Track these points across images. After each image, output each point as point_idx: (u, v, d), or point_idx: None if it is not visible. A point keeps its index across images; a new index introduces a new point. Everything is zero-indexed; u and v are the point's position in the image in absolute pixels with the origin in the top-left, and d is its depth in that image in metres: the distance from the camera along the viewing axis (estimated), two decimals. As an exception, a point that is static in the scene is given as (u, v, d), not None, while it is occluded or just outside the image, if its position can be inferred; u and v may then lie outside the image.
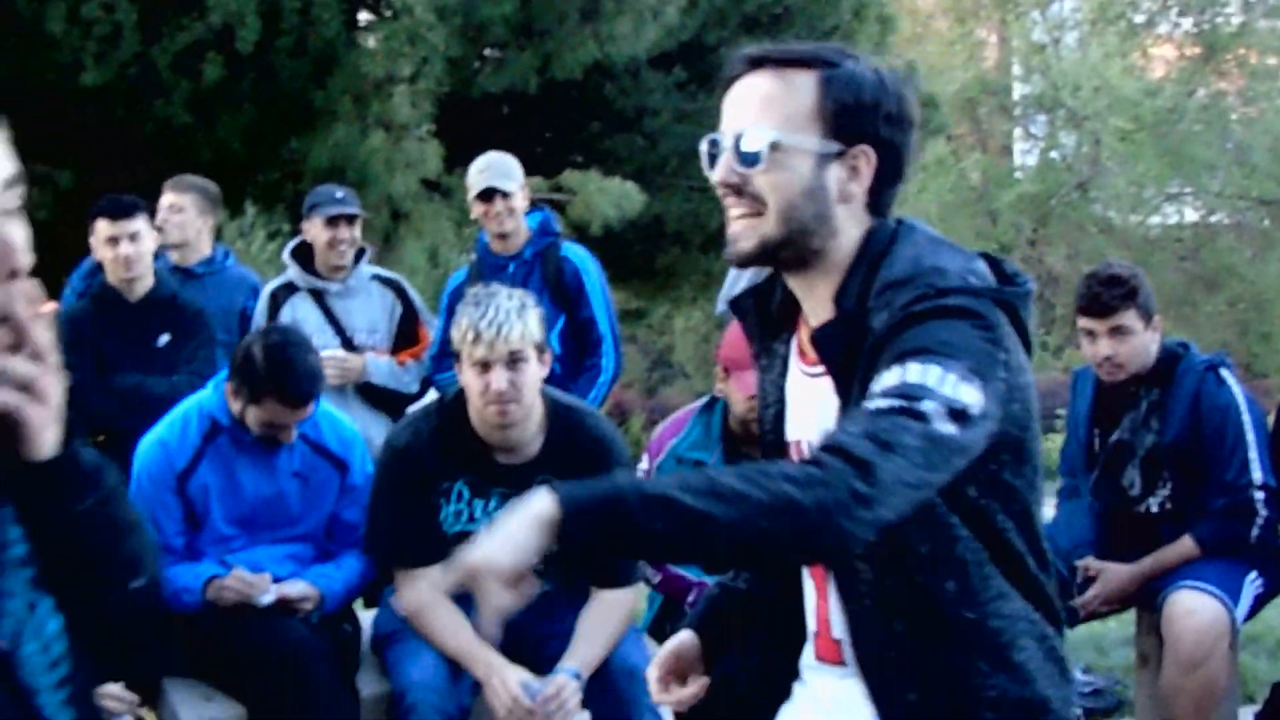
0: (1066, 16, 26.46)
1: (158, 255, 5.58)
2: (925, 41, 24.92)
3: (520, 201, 5.55)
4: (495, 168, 5.55)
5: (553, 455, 3.85)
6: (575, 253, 5.67)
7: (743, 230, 2.11)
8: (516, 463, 3.84)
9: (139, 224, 5.10)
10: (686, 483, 1.79)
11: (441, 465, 3.86)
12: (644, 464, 4.35)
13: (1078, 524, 4.72)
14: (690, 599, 4.19)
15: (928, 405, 1.84)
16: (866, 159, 2.09)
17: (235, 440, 4.03)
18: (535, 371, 3.73)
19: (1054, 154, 25.98)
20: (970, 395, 1.87)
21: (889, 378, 1.90)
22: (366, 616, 4.31)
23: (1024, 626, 2.10)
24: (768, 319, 2.31)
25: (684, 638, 2.57)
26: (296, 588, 3.98)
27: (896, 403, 1.85)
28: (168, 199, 5.70)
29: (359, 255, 5.49)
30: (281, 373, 3.88)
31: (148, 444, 4.06)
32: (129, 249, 5.07)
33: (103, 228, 5.11)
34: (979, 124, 25.94)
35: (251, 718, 3.85)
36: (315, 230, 5.41)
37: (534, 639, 3.79)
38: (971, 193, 24.32)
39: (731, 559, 2.20)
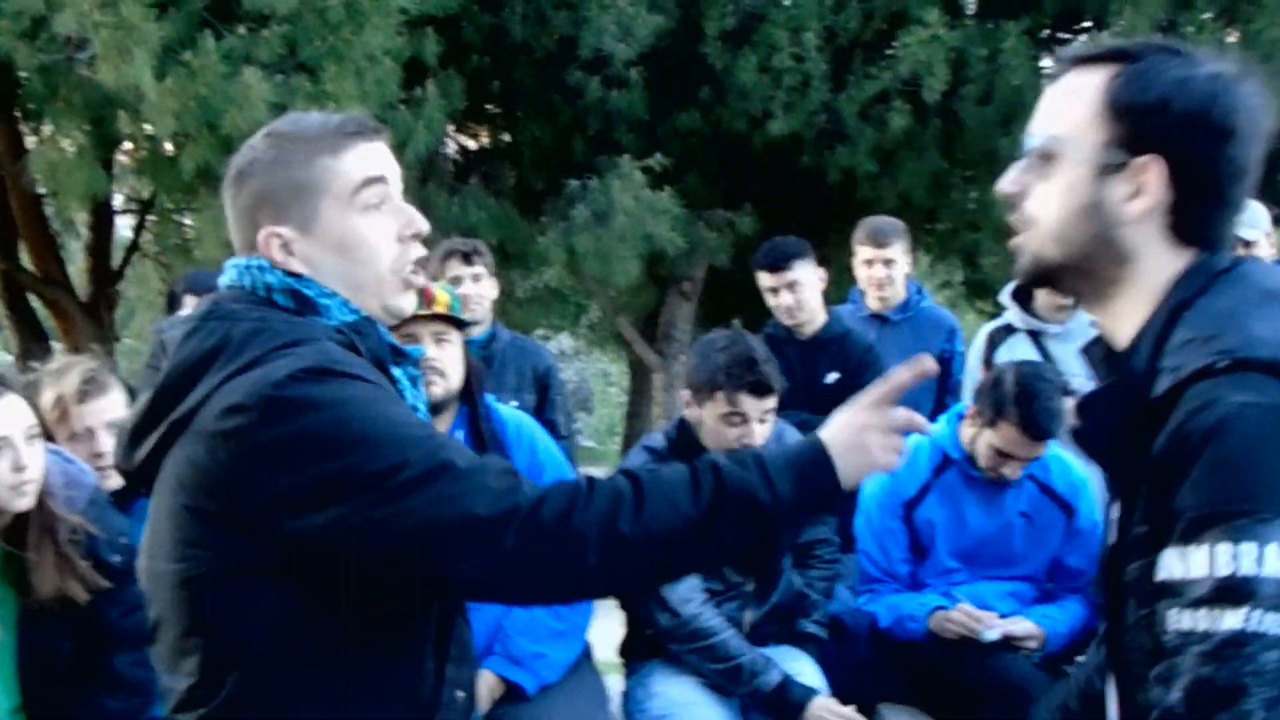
0: None
1: (847, 299, 5.73)
2: None
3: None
4: (1247, 217, 5.35)
5: None
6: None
7: (1019, 245, 1.82)
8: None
9: (797, 273, 5.17)
10: None
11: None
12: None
13: None
14: None
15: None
16: (1157, 172, 1.70)
17: (964, 475, 4.04)
18: None
19: None
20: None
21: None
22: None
23: None
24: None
25: None
26: (1022, 625, 3.93)
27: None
28: (880, 253, 5.65)
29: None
30: (1027, 400, 3.85)
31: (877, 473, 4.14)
32: (789, 298, 5.18)
33: (764, 279, 5.26)
34: None
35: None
36: (1040, 269, 5.35)
37: None
38: None
39: None
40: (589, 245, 10.18)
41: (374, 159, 1.97)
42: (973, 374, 5.25)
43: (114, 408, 3.45)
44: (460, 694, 2.02)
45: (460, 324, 3.48)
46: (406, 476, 1.71)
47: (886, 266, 5.62)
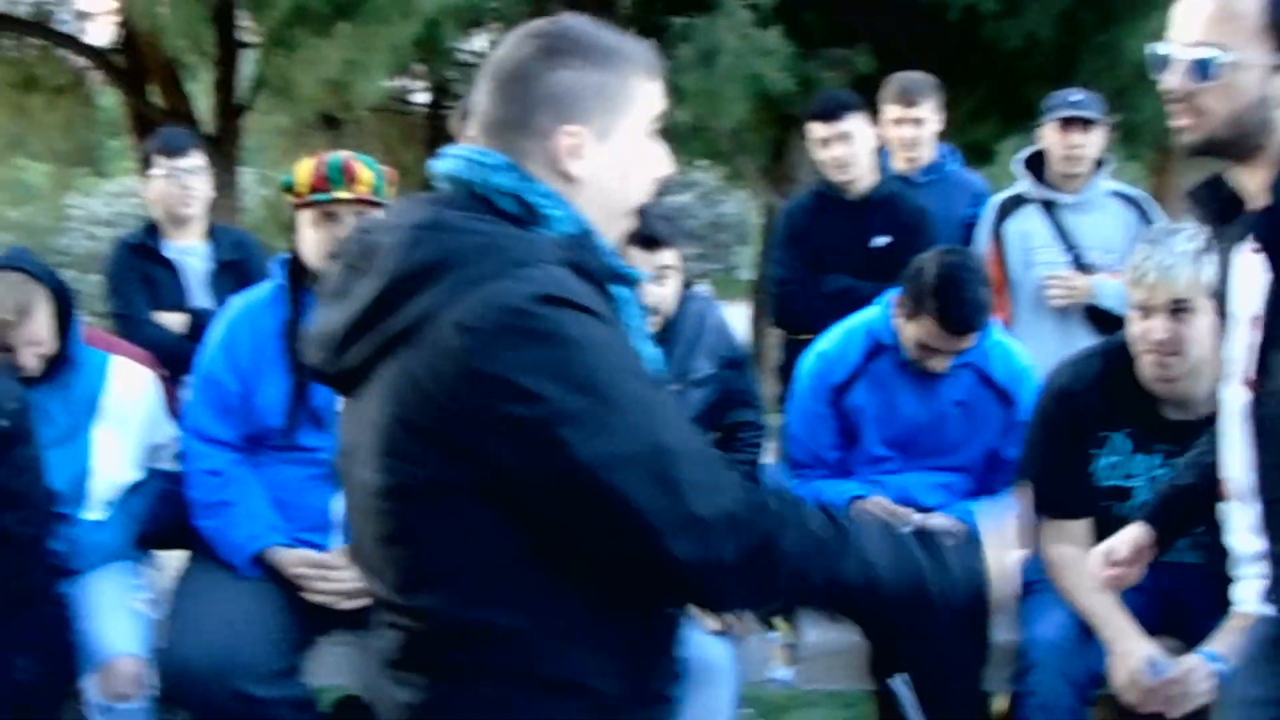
0: None
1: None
2: None
3: None
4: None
5: (1229, 415, 3.39)
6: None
7: (1186, 128, 2.33)
8: (1186, 419, 3.41)
9: (849, 124, 4.99)
10: None
11: (1103, 412, 3.53)
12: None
13: None
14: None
15: None
16: None
17: (897, 362, 3.89)
18: (1207, 324, 3.27)
19: None
20: None
21: None
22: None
23: None
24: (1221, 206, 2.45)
25: (1139, 532, 2.86)
26: (940, 521, 3.81)
27: None
28: (909, 112, 5.39)
29: (1099, 168, 5.09)
30: (946, 294, 3.69)
31: (811, 354, 4.03)
32: (841, 150, 4.99)
33: (815, 129, 5.07)
34: None
35: (870, 647, 3.74)
36: (1049, 136, 5.07)
37: (1189, 614, 3.43)
38: None
39: None
40: (695, 85, 9.98)
41: (662, 96, 1.99)
42: (979, 244, 5.04)
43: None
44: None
45: (382, 206, 3.44)
46: (629, 449, 1.71)
47: (916, 126, 5.38)
